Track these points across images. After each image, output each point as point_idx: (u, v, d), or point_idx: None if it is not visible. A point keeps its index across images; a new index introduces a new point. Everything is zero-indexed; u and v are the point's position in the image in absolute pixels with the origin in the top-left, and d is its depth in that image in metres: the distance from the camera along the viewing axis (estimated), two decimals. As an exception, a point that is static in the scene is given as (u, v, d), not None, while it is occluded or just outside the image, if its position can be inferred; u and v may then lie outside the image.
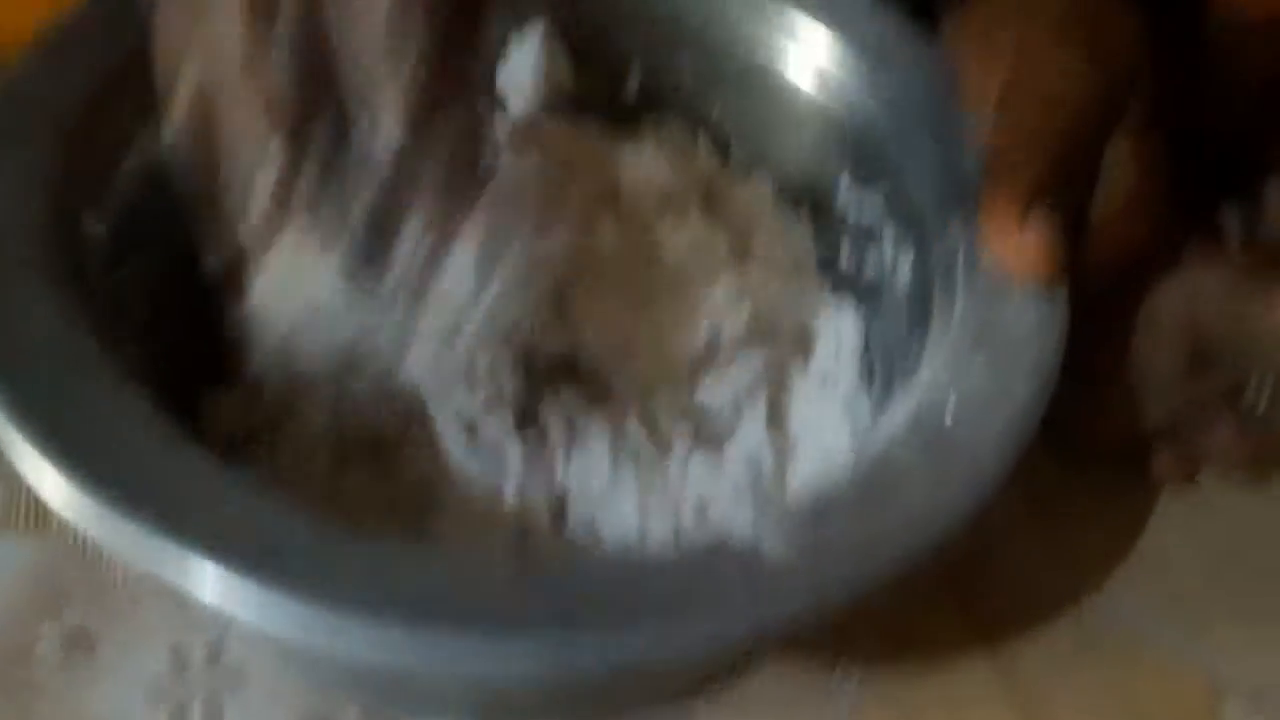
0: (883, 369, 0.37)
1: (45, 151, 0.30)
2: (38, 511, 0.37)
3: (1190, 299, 0.36)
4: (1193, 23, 0.37)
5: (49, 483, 0.24)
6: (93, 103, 0.32)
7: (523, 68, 0.40)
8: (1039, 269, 0.31)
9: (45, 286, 0.27)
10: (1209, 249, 0.37)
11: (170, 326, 0.33)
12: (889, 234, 0.38)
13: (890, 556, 0.26)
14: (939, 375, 0.30)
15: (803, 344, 0.39)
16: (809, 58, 0.39)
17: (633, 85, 0.42)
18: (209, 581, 0.23)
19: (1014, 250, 0.31)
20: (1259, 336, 0.36)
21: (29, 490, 0.34)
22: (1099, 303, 0.34)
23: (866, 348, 0.38)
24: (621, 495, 0.34)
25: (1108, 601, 0.38)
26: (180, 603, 0.35)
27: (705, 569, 0.25)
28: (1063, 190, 0.31)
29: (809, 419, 0.37)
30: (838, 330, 0.39)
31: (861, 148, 0.39)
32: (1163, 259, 0.36)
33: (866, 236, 0.39)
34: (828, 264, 0.40)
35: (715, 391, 0.37)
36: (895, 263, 0.37)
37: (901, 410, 0.29)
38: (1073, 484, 0.40)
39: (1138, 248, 0.35)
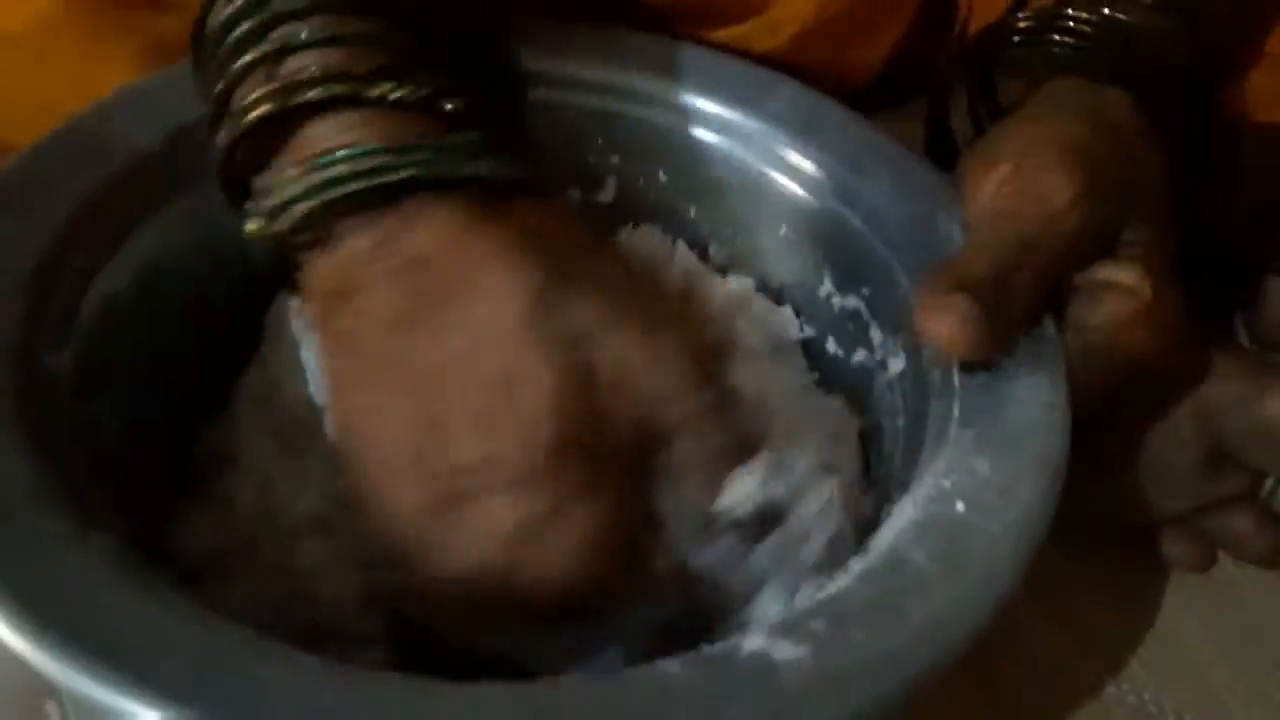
0: (879, 463, 0.36)
1: (7, 291, 0.29)
2: None
3: (1204, 399, 0.36)
4: (1202, 133, 0.38)
5: (10, 637, 0.22)
6: (51, 244, 0.31)
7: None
8: (952, 346, 0.31)
9: (8, 423, 0.26)
10: (1221, 349, 0.37)
11: (139, 450, 0.32)
12: (875, 332, 0.37)
13: (910, 670, 0.25)
14: (943, 476, 0.29)
15: (794, 436, 0.38)
16: (789, 165, 0.40)
17: (608, 194, 0.42)
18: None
19: (933, 328, 0.31)
20: (1274, 432, 0.35)
21: None
22: (1113, 398, 0.34)
23: (859, 440, 0.37)
24: None
25: (1127, 684, 0.38)
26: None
27: (719, 690, 0.23)
28: (1003, 285, 0.32)
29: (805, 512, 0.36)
30: (829, 420, 0.38)
31: (843, 251, 0.38)
32: (1175, 361, 0.36)
33: (853, 334, 0.39)
34: (815, 357, 0.40)
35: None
36: (884, 359, 0.37)
37: (908, 513, 0.28)
38: (1084, 567, 0.39)
39: (1149, 356, 0.35)
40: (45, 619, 0.22)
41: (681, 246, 0.42)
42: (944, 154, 0.41)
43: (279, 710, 0.22)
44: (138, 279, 0.33)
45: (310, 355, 0.35)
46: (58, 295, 0.30)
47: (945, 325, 0.31)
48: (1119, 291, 0.34)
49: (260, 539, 0.33)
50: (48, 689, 0.33)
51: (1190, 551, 0.38)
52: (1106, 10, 0.38)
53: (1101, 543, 0.39)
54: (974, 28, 0.45)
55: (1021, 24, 0.40)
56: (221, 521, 0.34)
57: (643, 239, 0.42)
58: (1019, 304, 0.32)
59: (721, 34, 0.44)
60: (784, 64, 0.42)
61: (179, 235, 0.35)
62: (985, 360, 0.31)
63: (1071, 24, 0.38)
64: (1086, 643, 0.39)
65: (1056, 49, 0.39)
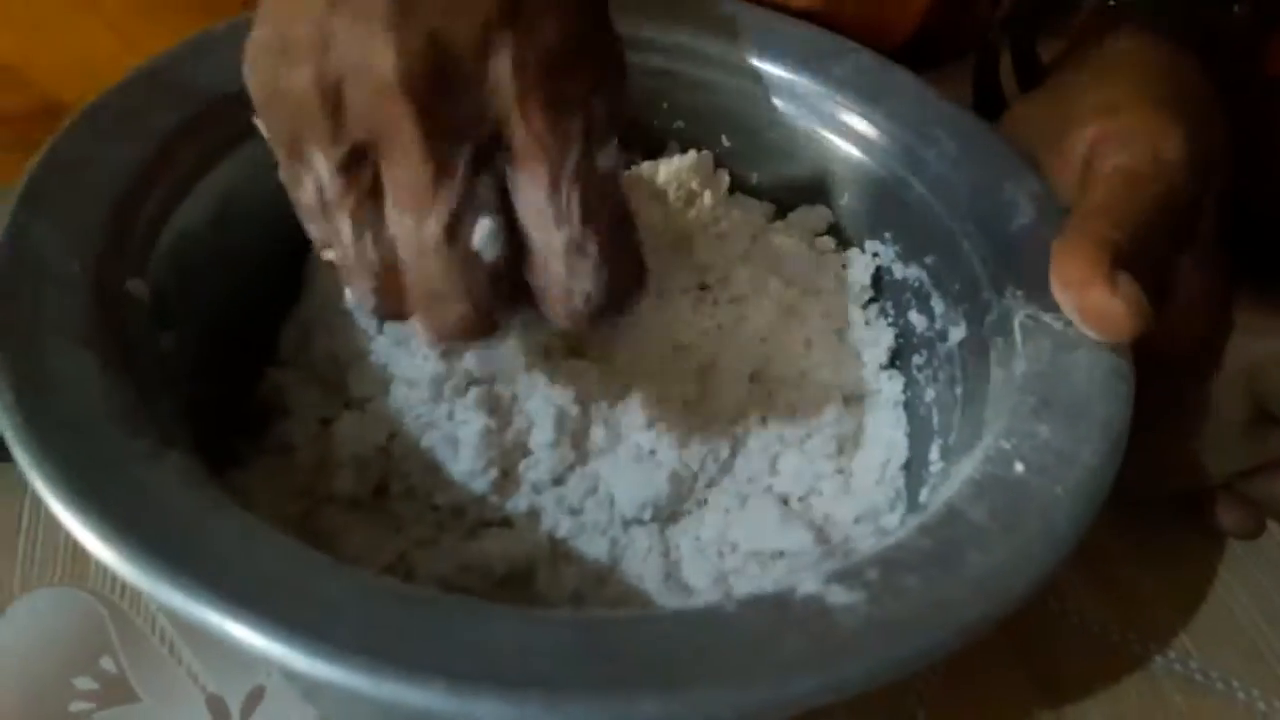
0: (937, 428, 0.36)
1: (90, 219, 0.30)
2: (74, 563, 0.36)
3: (1249, 361, 0.36)
4: (1245, 89, 0.37)
5: (96, 548, 0.23)
6: (137, 173, 0.32)
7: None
8: (1123, 332, 0.29)
9: (87, 349, 0.27)
10: (1265, 311, 0.36)
11: (207, 385, 0.33)
12: (936, 301, 0.37)
13: (964, 619, 0.25)
14: (1003, 438, 0.29)
15: (855, 394, 0.38)
16: (854, 131, 0.40)
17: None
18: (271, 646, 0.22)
19: (1097, 312, 0.29)
20: None
21: (65, 542, 0.34)
22: (1155, 373, 0.33)
23: (915, 404, 0.37)
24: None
25: (1173, 652, 0.38)
26: (218, 652, 0.34)
27: (771, 628, 0.23)
28: (1141, 254, 0.30)
29: (861, 467, 0.36)
30: (887, 383, 0.38)
31: (906, 218, 0.38)
32: (1223, 328, 0.35)
33: (913, 295, 0.38)
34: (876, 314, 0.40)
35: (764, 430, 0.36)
36: (944, 329, 0.36)
37: (966, 472, 0.28)
38: (1129, 534, 0.39)
39: (1198, 339, 0.34)
40: (130, 534, 0.23)
41: (721, 174, 0.42)
42: (991, 112, 0.41)
43: (347, 624, 0.22)
44: (212, 217, 0.34)
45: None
46: (139, 226, 0.31)
47: (1116, 308, 0.29)
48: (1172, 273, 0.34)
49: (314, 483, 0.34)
50: (104, 645, 0.34)
51: (1238, 518, 0.38)
52: None
53: (1146, 510, 0.38)
54: None
55: None
56: (279, 467, 0.34)
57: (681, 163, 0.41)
58: (1155, 270, 0.31)
59: None
60: (819, 21, 0.42)
61: (248, 179, 0.36)
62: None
63: None
64: (1131, 611, 0.38)
65: (1114, 2, 0.38)
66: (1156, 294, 0.30)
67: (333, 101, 0.25)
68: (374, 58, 0.24)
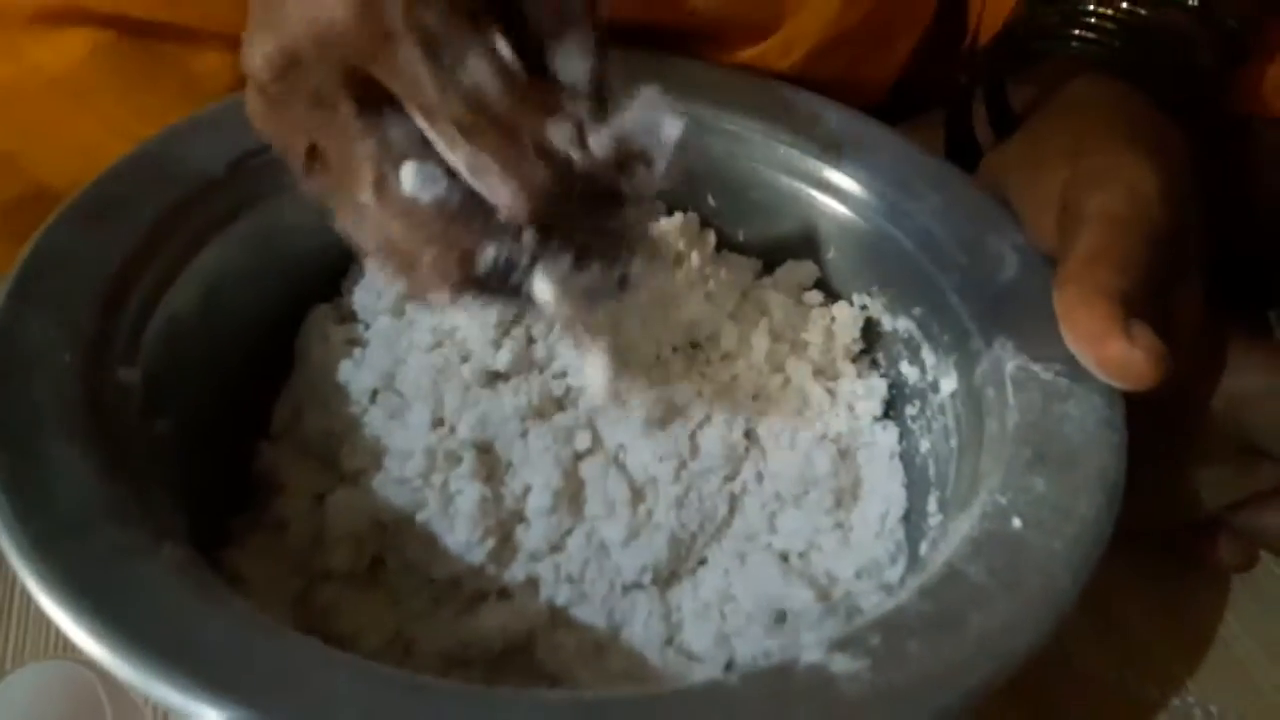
0: (933, 479, 0.36)
1: (80, 309, 0.30)
2: (68, 638, 0.35)
3: (1233, 393, 0.36)
4: (1215, 126, 0.38)
5: (90, 645, 0.23)
6: (126, 260, 0.32)
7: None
8: (1146, 382, 0.29)
9: (80, 441, 0.27)
10: (1247, 343, 0.36)
11: (201, 465, 0.33)
12: (927, 353, 0.37)
13: (969, 683, 0.25)
14: (999, 493, 0.29)
15: (850, 447, 0.38)
16: (836, 188, 0.40)
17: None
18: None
19: (1118, 365, 0.29)
20: None
21: None
22: (1142, 411, 0.33)
23: (911, 455, 0.37)
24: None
25: (1172, 689, 0.37)
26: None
27: (777, 703, 0.23)
28: (1149, 295, 0.30)
29: (860, 520, 0.36)
30: (881, 435, 0.38)
31: (893, 272, 0.39)
32: (1212, 361, 0.35)
33: (904, 347, 0.39)
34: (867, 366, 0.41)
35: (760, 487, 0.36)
36: (936, 380, 0.37)
37: (964, 529, 0.28)
38: (1122, 571, 0.38)
39: (1188, 372, 0.34)
40: (123, 630, 0.23)
41: (708, 233, 0.42)
42: (966, 162, 0.41)
43: (345, 715, 0.22)
44: (201, 299, 0.34)
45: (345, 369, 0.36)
46: (130, 313, 0.31)
47: (1136, 359, 0.29)
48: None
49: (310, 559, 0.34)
50: (98, 717, 0.34)
51: (1231, 551, 0.38)
52: (1125, 4, 0.37)
53: (1137, 546, 0.38)
54: (985, 40, 0.45)
55: (1038, 21, 0.39)
56: (274, 544, 0.34)
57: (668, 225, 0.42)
58: (1158, 308, 0.30)
59: (738, 56, 0.44)
60: (799, 81, 0.42)
61: (239, 257, 0.36)
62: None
63: (1092, 20, 0.38)
64: (1128, 648, 0.38)
65: (1075, 44, 0.38)
66: (1163, 332, 0.30)
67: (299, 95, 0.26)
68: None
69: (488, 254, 0.27)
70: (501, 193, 0.26)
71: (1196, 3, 0.38)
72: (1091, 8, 0.38)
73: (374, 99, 0.26)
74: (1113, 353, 0.29)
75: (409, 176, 0.27)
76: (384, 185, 0.26)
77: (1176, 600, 0.40)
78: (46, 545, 0.24)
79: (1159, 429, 0.35)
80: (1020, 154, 0.36)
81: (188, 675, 0.22)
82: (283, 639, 0.24)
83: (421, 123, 0.26)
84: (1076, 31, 0.38)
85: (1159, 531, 0.38)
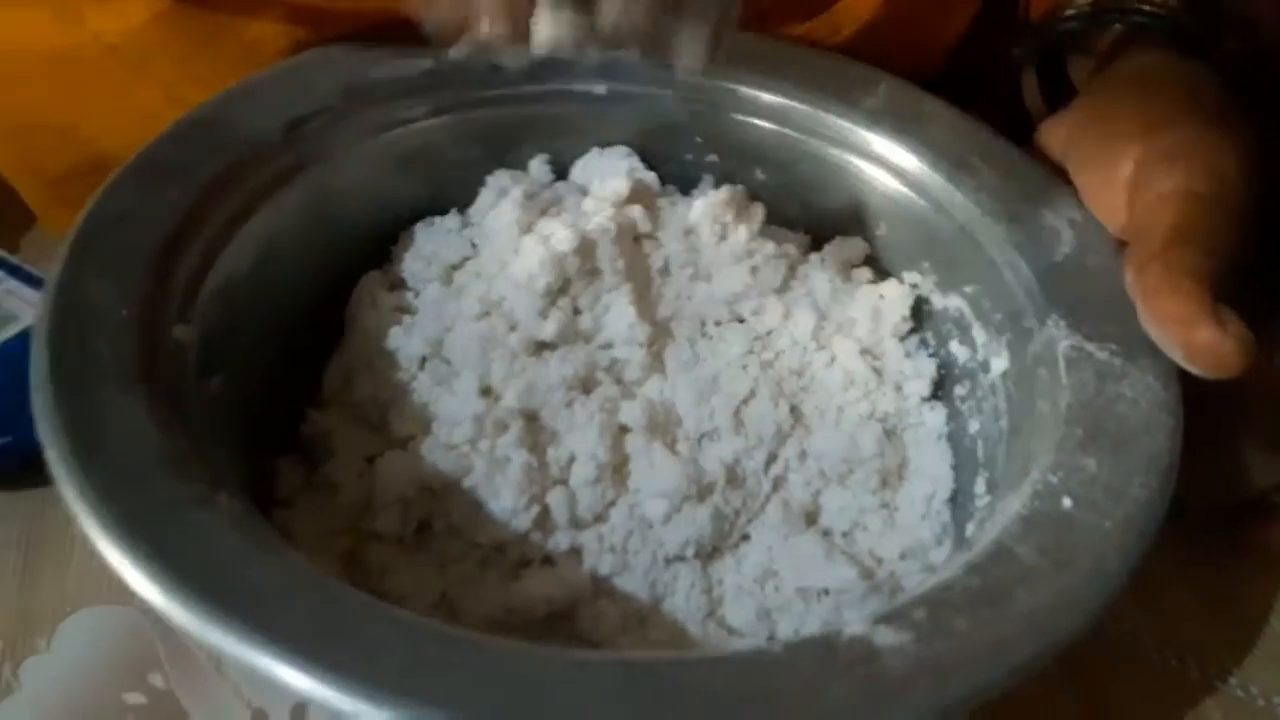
0: (982, 460, 0.36)
1: (137, 268, 0.31)
2: (123, 583, 0.36)
3: (1274, 373, 0.34)
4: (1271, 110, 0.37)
5: (147, 590, 0.23)
6: (181, 221, 0.32)
7: (615, 170, 0.41)
8: (1232, 370, 0.29)
9: (137, 395, 0.28)
10: None
11: (253, 426, 0.33)
12: (978, 331, 0.37)
13: (1013, 659, 0.24)
14: (1050, 473, 0.29)
15: (897, 427, 0.38)
16: (889, 162, 0.39)
17: (703, 192, 0.43)
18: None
19: (1206, 351, 0.28)
20: None
21: None
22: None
23: (959, 436, 0.37)
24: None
25: (1214, 669, 0.37)
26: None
27: (819, 672, 0.23)
28: (1232, 279, 0.29)
29: (905, 501, 0.36)
30: (929, 415, 0.38)
31: (945, 248, 0.38)
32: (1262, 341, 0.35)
33: (954, 325, 0.38)
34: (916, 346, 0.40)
35: (804, 465, 0.36)
36: (987, 359, 0.36)
37: (1014, 508, 0.28)
38: (1166, 552, 0.38)
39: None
40: (181, 579, 0.23)
41: (756, 207, 0.42)
42: (1014, 134, 0.40)
43: (391, 666, 0.22)
44: (255, 261, 0.35)
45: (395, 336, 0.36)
46: (184, 272, 0.31)
47: (1226, 346, 0.28)
48: None
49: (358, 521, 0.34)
50: (152, 662, 0.35)
51: (1273, 533, 0.37)
52: None
53: (1187, 524, 0.38)
54: (1034, 12, 0.44)
55: None
56: (324, 505, 0.35)
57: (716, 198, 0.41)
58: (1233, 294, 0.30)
59: (787, 31, 0.44)
60: (851, 53, 0.42)
61: (291, 222, 0.36)
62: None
63: None
64: (1171, 628, 0.38)
65: (1139, 18, 0.37)
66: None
67: None
68: None
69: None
70: None
71: None
72: None
73: None
74: (1202, 339, 0.28)
75: None
76: None
77: (1224, 582, 0.39)
78: (106, 494, 0.24)
79: (1209, 406, 0.35)
80: (1084, 128, 0.35)
81: (240, 621, 0.22)
82: (334, 590, 0.24)
83: None
84: (1139, 6, 0.37)
85: (1207, 511, 0.38)
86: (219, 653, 0.22)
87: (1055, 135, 0.36)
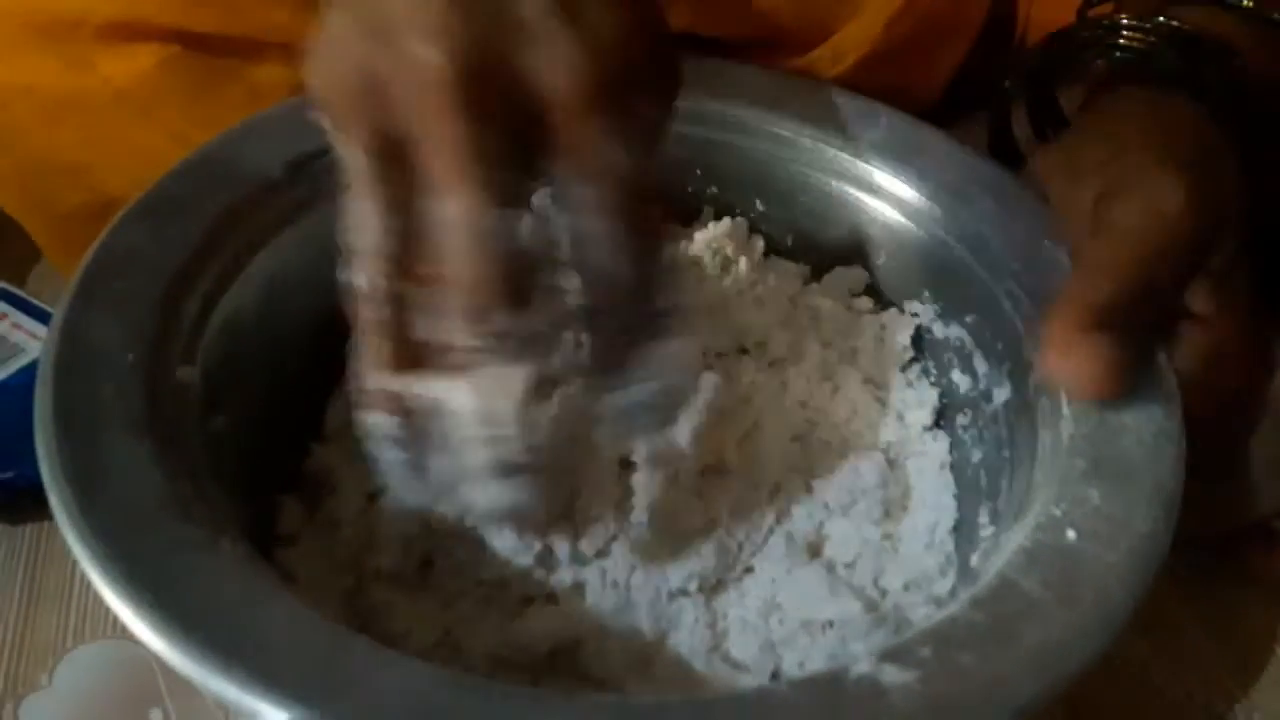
0: (985, 490, 0.36)
1: (142, 309, 0.31)
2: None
3: (1277, 396, 0.35)
4: (1271, 135, 0.37)
5: (150, 638, 0.23)
6: (186, 261, 0.33)
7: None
8: (1098, 394, 0.30)
9: (141, 438, 0.28)
10: None
11: (256, 464, 0.33)
12: (979, 361, 0.37)
13: (1020, 697, 0.24)
14: (1053, 504, 0.29)
15: (900, 456, 0.38)
16: (889, 193, 0.40)
17: (704, 223, 0.43)
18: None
19: (1068, 370, 0.30)
20: None
21: None
22: (1202, 423, 0.33)
23: (962, 465, 0.37)
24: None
25: (1219, 698, 0.37)
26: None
27: (826, 712, 0.23)
28: (1138, 309, 0.30)
29: (909, 531, 0.36)
30: (932, 444, 0.38)
31: (946, 279, 0.38)
32: (1261, 378, 0.35)
33: (956, 355, 0.38)
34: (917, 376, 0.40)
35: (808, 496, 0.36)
36: (989, 389, 0.36)
37: (1018, 540, 0.28)
38: (1170, 579, 0.37)
39: (1235, 383, 0.34)
40: (183, 624, 0.23)
41: (756, 239, 0.42)
42: (1007, 164, 0.41)
43: (396, 713, 0.22)
44: (258, 299, 0.35)
45: None
46: (189, 312, 0.31)
47: (1086, 369, 0.30)
48: (1198, 324, 0.33)
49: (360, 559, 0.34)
50: (154, 697, 0.35)
51: (1277, 559, 0.37)
52: (1161, 18, 0.37)
53: (1189, 553, 0.37)
54: (1031, 42, 0.45)
55: (1090, 29, 0.39)
56: (326, 543, 0.35)
57: (717, 230, 0.42)
58: (1147, 331, 0.31)
59: (788, 64, 0.44)
60: (850, 88, 0.42)
61: (295, 259, 0.36)
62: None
63: (1130, 33, 0.38)
64: (1176, 656, 0.38)
65: (1119, 54, 0.38)
66: (1162, 341, 0.31)
67: (377, 91, 0.26)
68: (421, 55, 0.25)
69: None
70: (627, 269, 0.27)
71: (1250, 3, 0.37)
72: (1132, 21, 0.38)
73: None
74: (1069, 364, 0.30)
75: (510, 221, 0.26)
76: (485, 213, 0.26)
77: (1228, 608, 0.39)
78: (109, 538, 0.24)
79: (1213, 433, 0.35)
80: (1060, 162, 0.35)
81: (243, 670, 0.22)
82: (336, 636, 0.24)
83: (584, 176, 0.27)
84: (1120, 41, 0.38)
85: (1212, 538, 0.38)
86: (222, 700, 0.22)
87: (1041, 168, 0.37)
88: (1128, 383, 0.30)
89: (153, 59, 0.39)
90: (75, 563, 0.37)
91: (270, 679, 0.22)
